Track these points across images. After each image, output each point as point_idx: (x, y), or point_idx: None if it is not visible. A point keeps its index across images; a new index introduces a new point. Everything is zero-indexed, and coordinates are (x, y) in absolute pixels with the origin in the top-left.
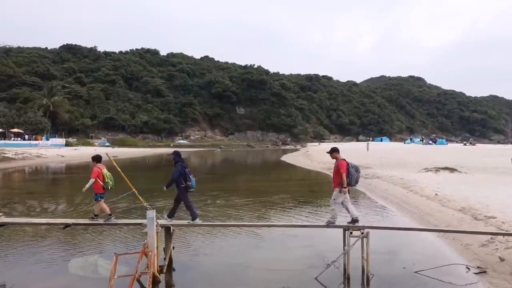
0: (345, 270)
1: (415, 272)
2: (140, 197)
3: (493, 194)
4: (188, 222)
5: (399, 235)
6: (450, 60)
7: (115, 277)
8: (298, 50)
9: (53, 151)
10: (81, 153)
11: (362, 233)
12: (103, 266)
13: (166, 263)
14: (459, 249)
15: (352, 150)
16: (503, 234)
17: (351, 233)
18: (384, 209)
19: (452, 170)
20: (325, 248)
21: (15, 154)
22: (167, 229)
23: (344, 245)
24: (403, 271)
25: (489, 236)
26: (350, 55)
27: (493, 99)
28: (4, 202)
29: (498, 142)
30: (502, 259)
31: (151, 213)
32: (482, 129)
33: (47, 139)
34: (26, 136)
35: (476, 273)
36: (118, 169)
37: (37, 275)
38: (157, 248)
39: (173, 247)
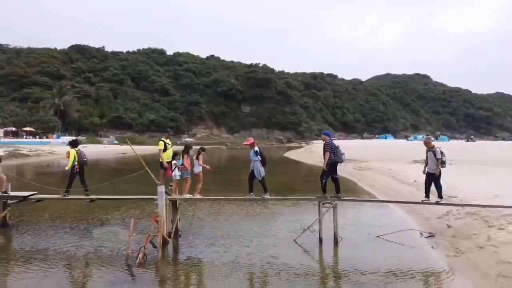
0: (319, 234)
1: (377, 236)
2: (152, 175)
3: (464, 180)
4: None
5: (373, 209)
6: (456, 57)
7: (134, 234)
8: (303, 47)
9: (65, 149)
10: (90, 150)
11: (332, 204)
12: (121, 233)
13: (173, 230)
14: (420, 221)
15: (355, 147)
16: (444, 204)
17: (323, 204)
18: (368, 194)
19: None
20: (308, 222)
21: (30, 151)
22: (174, 202)
23: (319, 214)
24: (368, 236)
25: (446, 210)
26: (356, 53)
27: (500, 96)
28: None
29: (503, 139)
30: (449, 226)
31: (161, 188)
32: (487, 126)
33: (58, 138)
34: (37, 136)
35: (426, 237)
36: (135, 152)
37: (68, 239)
38: (165, 217)
39: (179, 219)
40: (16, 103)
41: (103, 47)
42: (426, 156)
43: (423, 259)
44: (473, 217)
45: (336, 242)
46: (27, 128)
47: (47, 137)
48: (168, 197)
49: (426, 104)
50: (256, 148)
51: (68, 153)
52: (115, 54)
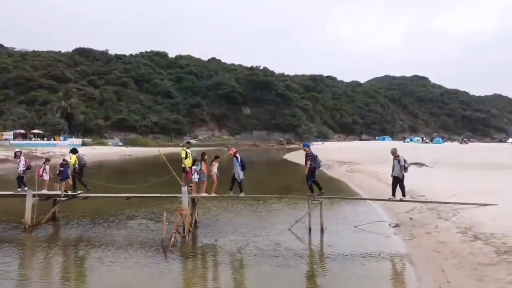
0: (308, 224)
1: (355, 226)
2: (177, 177)
3: (436, 181)
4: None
5: (354, 206)
6: (456, 58)
7: (166, 223)
8: (303, 47)
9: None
10: (99, 152)
11: (318, 201)
12: (151, 225)
13: (193, 221)
14: (390, 215)
15: (352, 149)
16: (406, 201)
17: (311, 201)
18: (355, 194)
19: (421, 165)
20: (300, 216)
21: (43, 153)
22: (193, 200)
23: (308, 208)
24: (347, 227)
25: (412, 206)
26: (356, 54)
27: (497, 97)
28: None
29: (500, 141)
30: (411, 218)
31: (184, 188)
32: (484, 128)
33: (65, 140)
34: (45, 138)
35: (393, 227)
36: (164, 159)
37: (108, 230)
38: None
39: (197, 212)
40: (23, 105)
41: (106, 50)
42: (393, 163)
43: (387, 243)
44: (431, 211)
45: (322, 231)
46: (36, 131)
47: (54, 139)
48: (189, 195)
49: (424, 106)
50: (238, 156)
51: (70, 158)
52: (118, 57)
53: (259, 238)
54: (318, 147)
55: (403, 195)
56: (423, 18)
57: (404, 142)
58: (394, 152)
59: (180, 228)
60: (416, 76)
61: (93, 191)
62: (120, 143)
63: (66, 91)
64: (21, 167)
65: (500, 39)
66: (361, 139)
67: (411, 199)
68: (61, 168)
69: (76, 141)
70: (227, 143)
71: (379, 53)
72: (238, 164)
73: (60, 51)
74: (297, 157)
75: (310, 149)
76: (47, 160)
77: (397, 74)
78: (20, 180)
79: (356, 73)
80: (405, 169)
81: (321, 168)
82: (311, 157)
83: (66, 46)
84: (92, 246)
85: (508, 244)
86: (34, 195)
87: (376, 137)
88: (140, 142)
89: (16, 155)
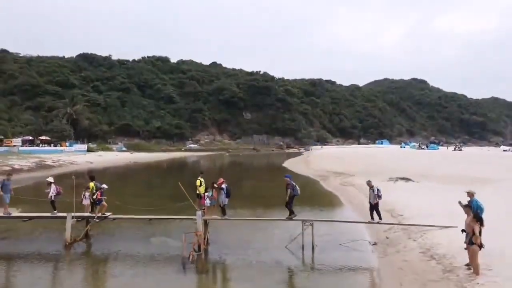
0: (302, 242)
1: (340, 244)
2: (194, 204)
3: (418, 199)
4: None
5: (341, 224)
6: (456, 61)
7: (185, 244)
8: (304, 49)
9: (82, 158)
10: (105, 159)
11: (310, 223)
12: (170, 242)
13: (206, 240)
14: (371, 233)
15: (350, 156)
16: (383, 223)
17: (304, 223)
18: (345, 208)
19: (407, 180)
20: (295, 232)
21: (53, 162)
22: (205, 221)
23: (302, 229)
24: (333, 244)
25: (389, 226)
26: (356, 55)
27: (494, 101)
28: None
29: (497, 144)
30: (387, 238)
31: (199, 212)
32: (481, 132)
33: (71, 146)
34: (52, 144)
35: (372, 245)
36: (181, 186)
37: (133, 246)
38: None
39: (209, 232)
40: (30, 111)
41: (109, 55)
42: (369, 192)
43: (365, 259)
44: (404, 231)
45: (313, 248)
46: (43, 137)
47: (61, 145)
48: (202, 217)
49: (422, 109)
50: (223, 186)
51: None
52: (121, 62)
53: (261, 255)
54: (317, 152)
55: (380, 218)
56: (423, 19)
57: (401, 147)
58: (369, 184)
59: (196, 246)
60: (414, 79)
61: (117, 210)
62: (124, 148)
63: (71, 98)
64: (52, 193)
65: (501, 39)
66: (359, 143)
67: (386, 222)
68: (100, 197)
69: (82, 147)
70: (228, 148)
71: (379, 55)
72: (223, 193)
73: (64, 57)
74: (296, 165)
75: (290, 179)
76: (87, 188)
77: (396, 76)
78: (52, 204)
79: (356, 74)
80: (379, 197)
81: (317, 180)
82: (291, 187)
83: (68, 50)
84: (125, 262)
85: (453, 264)
86: (72, 217)
87: (376, 141)
88: (143, 146)
89: (48, 183)
